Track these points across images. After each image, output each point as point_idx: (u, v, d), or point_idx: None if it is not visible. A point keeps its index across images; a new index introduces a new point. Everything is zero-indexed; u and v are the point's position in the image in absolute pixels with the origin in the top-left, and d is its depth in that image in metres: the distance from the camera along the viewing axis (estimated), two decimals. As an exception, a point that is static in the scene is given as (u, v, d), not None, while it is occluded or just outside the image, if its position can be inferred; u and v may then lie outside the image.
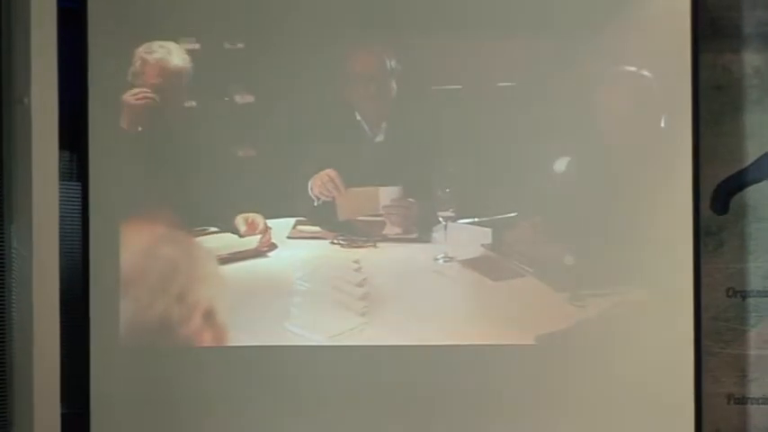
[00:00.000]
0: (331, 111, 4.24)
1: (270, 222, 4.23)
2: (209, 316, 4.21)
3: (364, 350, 4.18)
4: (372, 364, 4.17)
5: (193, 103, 4.23)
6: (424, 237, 4.19)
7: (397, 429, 4.13)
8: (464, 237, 4.17)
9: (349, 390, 4.17)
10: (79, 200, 4.19)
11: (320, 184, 4.22)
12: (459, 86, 4.17)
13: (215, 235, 4.24)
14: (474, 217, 4.16)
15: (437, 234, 4.19)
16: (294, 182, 4.24)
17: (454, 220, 4.16)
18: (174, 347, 4.23)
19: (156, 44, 4.22)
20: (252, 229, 4.24)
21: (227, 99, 4.23)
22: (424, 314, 4.15)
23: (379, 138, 4.23)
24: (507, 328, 4.11)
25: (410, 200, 4.19)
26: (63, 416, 4.05)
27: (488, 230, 4.16)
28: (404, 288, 4.16)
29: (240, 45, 4.24)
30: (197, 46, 4.22)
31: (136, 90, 4.19)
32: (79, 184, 4.21)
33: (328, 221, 4.26)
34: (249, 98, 4.23)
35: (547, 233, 4.15)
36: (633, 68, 4.10)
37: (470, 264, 4.17)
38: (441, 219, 4.18)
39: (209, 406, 4.19)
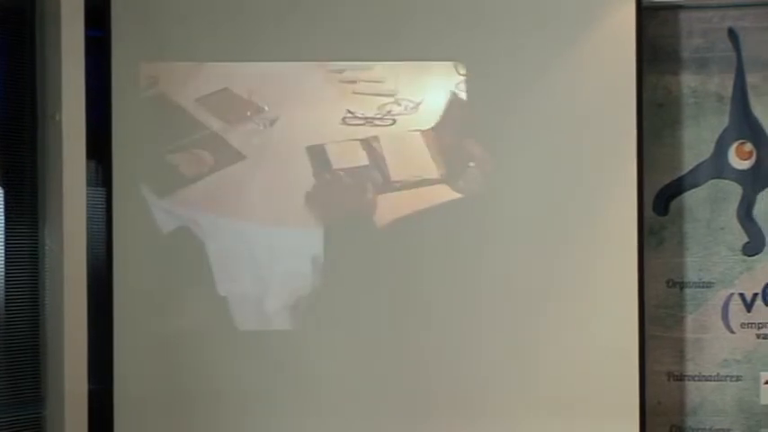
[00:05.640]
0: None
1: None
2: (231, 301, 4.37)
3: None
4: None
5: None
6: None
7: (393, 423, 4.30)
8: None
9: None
10: (104, 203, 4.34)
11: None
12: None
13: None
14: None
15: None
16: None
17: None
18: (190, 331, 4.36)
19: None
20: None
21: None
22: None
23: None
24: (469, 321, 4.30)
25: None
26: (90, 391, 4.19)
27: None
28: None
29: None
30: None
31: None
32: (104, 189, 4.35)
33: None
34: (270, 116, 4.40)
35: (509, 235, 4.31)
36: (586, 89, 4.27)
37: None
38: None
39: (225, 387, 4.32)
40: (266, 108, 4.39)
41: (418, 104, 4.37)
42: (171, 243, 4.40)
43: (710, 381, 4.48)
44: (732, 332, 4.48)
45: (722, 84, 4.50)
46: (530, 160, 4.32)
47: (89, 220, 4.25)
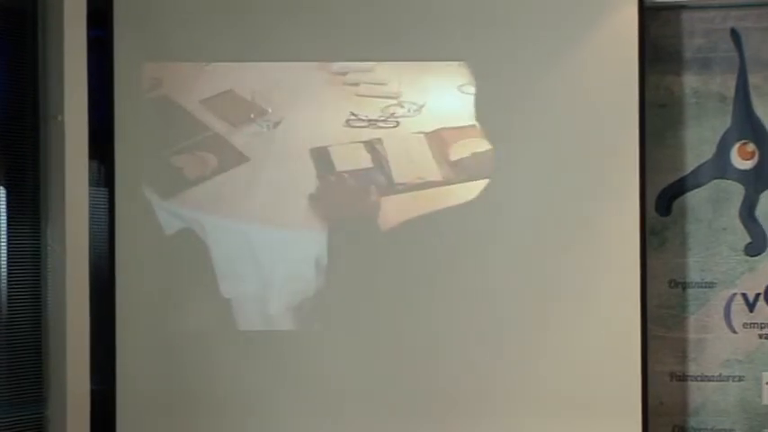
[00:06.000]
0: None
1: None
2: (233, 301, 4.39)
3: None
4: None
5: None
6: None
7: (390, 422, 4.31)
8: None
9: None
10: (106, 203, 4.38)
11: None
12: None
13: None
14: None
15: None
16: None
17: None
18: (193, 331, 4.38)
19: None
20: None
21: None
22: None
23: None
24: (471, 322, 4.31)
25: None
26: (92, 392, 4.23)
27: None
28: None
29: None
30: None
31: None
32: (107, 189, 4.39)
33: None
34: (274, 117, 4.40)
35: (512, 235, 4.31)
36: (588, 90, 4.27)
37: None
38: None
39: (228, 387, 4.35)
40: (270, 110, 4.40)
41: (421, 106, 4.37)
42: (174, 244, 4.41)
43: (713, 381, 4.50)
44: (734, 332, 4.49)
45: (724, 84, 4.52)
46: (533, 161, 4.33)
47: (91, 220, 4.28)
